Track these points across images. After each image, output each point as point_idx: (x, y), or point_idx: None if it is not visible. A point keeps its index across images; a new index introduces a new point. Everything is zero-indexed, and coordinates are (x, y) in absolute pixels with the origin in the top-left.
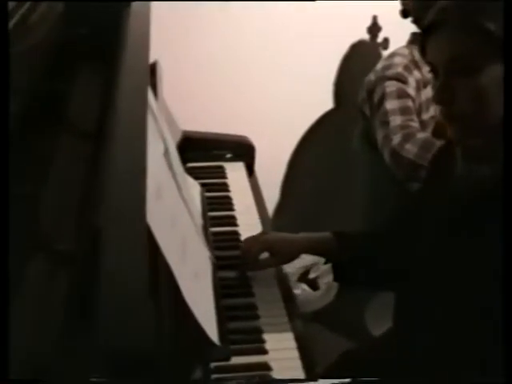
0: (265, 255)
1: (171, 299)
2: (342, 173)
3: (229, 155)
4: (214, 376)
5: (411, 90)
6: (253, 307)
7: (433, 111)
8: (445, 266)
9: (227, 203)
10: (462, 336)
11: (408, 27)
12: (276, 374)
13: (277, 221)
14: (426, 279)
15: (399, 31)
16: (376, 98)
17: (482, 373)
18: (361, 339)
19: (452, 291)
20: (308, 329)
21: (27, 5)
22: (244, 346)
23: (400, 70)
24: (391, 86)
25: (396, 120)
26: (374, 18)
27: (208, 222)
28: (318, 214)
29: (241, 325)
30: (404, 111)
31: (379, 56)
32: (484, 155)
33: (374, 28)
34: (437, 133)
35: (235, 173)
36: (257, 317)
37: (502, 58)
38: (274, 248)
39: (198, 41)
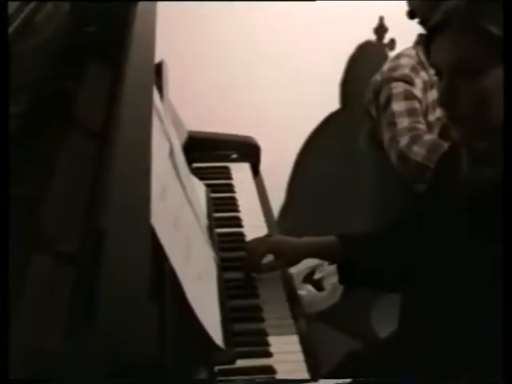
0: (269, 258)
1: (175, 301)
2: (348, 173)
3: (234, 155)
4: (218, 378)
5: (418, 92)
6: (258, 309)
7: (439, 113)
8: (450, 267)
9: (232, 204)
10: (465, 336)
11: (414, 28)
12: (281, 377)
13: (282, 222)
14: (430, 280)
15: (406, 32)
16: (382, 99)
17: (482, 373)
18: (366, 340)
19: (456, 292)
20: (313, 331)
21: (32, 4)
22: (249, 349)
23: (407, 71)
24: (398, 88)
25: (403, 122)
26: (381, 19)
27: (213, 222)
28: (324, 215)
29: (246, 327)
30: (411, 113)
31: (385, 57)
32: (488, 157)
33: (381, 29)
34: (443, 134)
35: (240, 173)
36: (262, 319)
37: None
38: (278, 251)
39: (203, 41)
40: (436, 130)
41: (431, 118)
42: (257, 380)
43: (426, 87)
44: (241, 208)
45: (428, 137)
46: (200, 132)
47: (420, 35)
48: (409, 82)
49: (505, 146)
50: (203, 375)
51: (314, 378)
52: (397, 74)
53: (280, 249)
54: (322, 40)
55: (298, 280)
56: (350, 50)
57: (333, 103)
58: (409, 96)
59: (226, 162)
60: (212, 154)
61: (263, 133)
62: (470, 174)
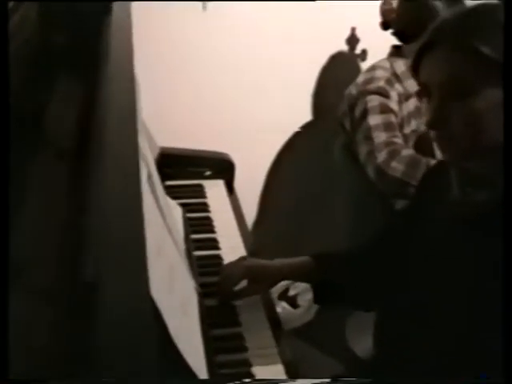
0: (244, 283)
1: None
2: (322, 186)
3: (208, 172)
4: None
5: (393, 105)
6: (240, 337)
7: (414, 125)
8: (429, 288)
9: (208, 225)
10: (461, 346)
11: (387, 39)
12: None
13: (254, 238)
14: (409, 299)
15: (377, 43)
16: (358, 112)
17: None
18: (342, 356)
19: (435, 313)
20: (298, 356)
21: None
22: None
23: (382, 83)
24: (373, 101)
25: (380, 136)
26: (353, 30)
27: (191, 245)
28: (297, 229)
29: (228, 358)
30: (387, 127)
31: (357, 68)
32: (480, 178)
33: (353, 39)
34: (419, 147)
35: (215, 191)
36: (245, 348)
37: (497, 82)
38: (253, 276)
39: (173, 55)
40: (411, 143)
41: (407, 130)
42: None
43: (401, 99)
44: (217, 229)
45: (406, 152)
46: (172, 148)
47: (394, 46)
48: (384, 94)
49: (505, 166)
50: None
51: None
52: (372, 86)
53: (255, 273)
54: (295, 51)
55: (272, 297)
56: (322, 60)
57: (307, 116)
58: (385, 109)
59: (200, 179)
60: (185, 170)
61: (237, 148)
62: (460, 196)
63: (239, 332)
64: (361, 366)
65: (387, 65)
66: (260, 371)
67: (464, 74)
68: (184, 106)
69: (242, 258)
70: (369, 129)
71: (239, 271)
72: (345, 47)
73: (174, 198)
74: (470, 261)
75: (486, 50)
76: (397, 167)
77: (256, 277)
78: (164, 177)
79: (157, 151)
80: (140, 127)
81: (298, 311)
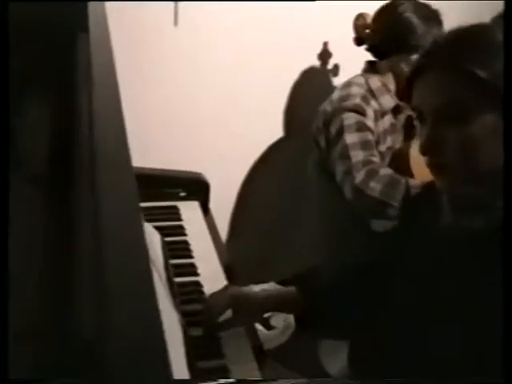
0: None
1: None
2: (294, 204)
3: (182, 193)
4: None
5: (370, 122)
6: (225, 370)
7: (390, 142)
8: (415, 312)
9: (185, 249)
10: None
11: (359, 54)
12: None
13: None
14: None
15: (349, 57)
16: (333, 130)
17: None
18: (316, 377)
19: (418, 341)
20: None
21: None
22: None
23: (358, 101)
24: (350, 119)
25: (358, 155)
26: (325, 45)
27: (171, 272)
28: (269, 247)
29: None
30: (365, 145)
31: (329, 83)
32: (474, 205)
33: (325, 54)
34: (394, 164)
35: (190, 213)
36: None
37: (493, 106)
38: (237, 305)
39: (144, 73)
40: (387, 160)
41: (382, 147)
42: None
43: (377, 116)
44: (194, 253)
45: (384, 171)
46: (144, 168)
47: (368, 62)
48: (361, 112)
49: (505, 192)
50: None
51: None
52: (348, 104)
53: (240, 303)
54: (266, 66)
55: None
56: (294, 76)
57: (278, 132)
58: (361, 127)
59: (174, 200)
60: (158, 191)
61: (211, 168)
62: (452, 222)
63: (223, 364)
64: None
65: (362, 81)
66: None
67: (459, 99)
68: (157, 124)
69: (225, 287)
70: (345, 147)
71: (223, 301)
72: (317, 62)
73: (148, 220)
74: (463, 283)
75: (481, 73)
76: (375, 187)
77: (241, 307)
78: None
79: None
80: None
81: (273, 333)
